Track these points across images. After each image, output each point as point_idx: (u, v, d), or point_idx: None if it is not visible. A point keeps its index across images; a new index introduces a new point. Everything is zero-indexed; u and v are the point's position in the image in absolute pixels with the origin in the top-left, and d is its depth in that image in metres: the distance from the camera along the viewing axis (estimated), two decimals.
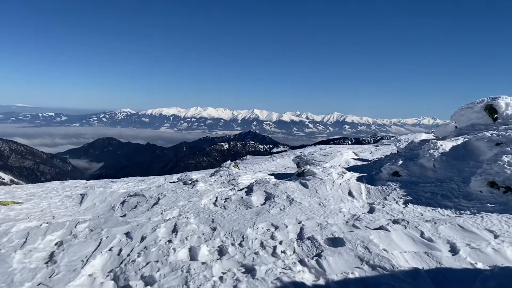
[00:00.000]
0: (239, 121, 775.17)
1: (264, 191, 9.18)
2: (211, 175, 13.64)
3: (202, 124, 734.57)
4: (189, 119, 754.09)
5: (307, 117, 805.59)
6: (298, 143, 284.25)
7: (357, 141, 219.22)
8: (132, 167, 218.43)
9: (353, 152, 14.25)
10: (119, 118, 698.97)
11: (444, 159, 8.94)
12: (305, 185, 9.22)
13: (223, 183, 11.34)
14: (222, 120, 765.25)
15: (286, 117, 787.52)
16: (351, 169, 11.00)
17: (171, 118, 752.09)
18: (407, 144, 11.98)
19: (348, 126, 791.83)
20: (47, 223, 8.17)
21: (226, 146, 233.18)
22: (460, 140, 9.91)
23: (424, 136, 12.67)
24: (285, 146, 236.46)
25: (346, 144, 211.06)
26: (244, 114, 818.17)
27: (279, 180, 10.38)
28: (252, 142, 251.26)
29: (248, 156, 27.97)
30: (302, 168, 10.41)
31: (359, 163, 12.13)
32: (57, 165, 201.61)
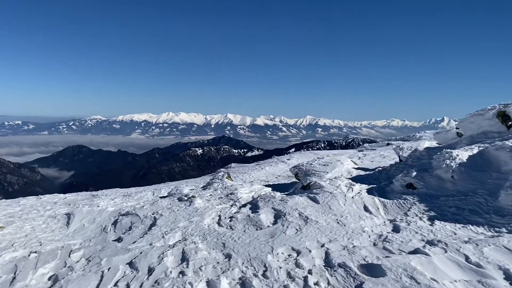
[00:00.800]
0: (212, 126, 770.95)
1: (272, 207, 8.53)
2: (204, 188, 12.88)
3: (174, 129, 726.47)
4: (161, 125, 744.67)
5: (280, 121, 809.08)
6: (273, 147, 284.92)
7: (330, 144, 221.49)
8: (103, 175, 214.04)
9: (351, 160, 13.80)
10: (89, 125, 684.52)
11: (463, 170, 8.50)
12: (315, 200, 8.62)
13: (221, 198, 10.63)
14: (195, 125, 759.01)
15: (260, 121, 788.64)
16: (355, 179, 10.48)
17: (142, 124, 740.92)
18: (411, 152, 11.56)
19: (321, 129, 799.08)
20: (35, 252, 7.30)
21: (199, 151, 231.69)
22: (475, 149, 9.52)
23: (427, 144, 12.26)
24: (259, 150, 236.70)
25: (319, 146, 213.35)
26: (218, 118, 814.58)
27: (285, 195, 9.76)
28: (226, 146, 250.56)
29: (233, 164, 27.26)
30: (308, 181, 9.82)
31: (362, 172, 11.65)
32: (25, 174, 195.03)
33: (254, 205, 9.20)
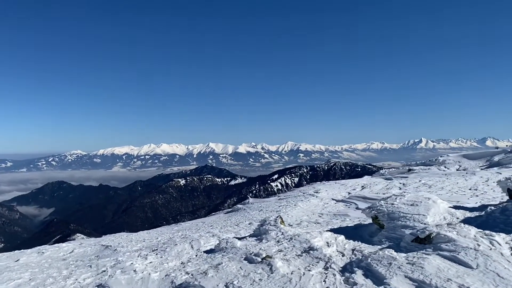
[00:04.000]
0: (194, 156, 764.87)
1: (405, 276, 6.13)
2: (258, 239, 10.39)
3: (156, 161, 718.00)
4: (142, 157, 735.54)
5: (262, 148, 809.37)
6: (256, 174, 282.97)
7: (312, 169, 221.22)
8: (84, 211, 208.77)
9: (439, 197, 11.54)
10: (69, 160, 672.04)
11: None
12: (461, 263, 6.28)
13: (300, 255, 8.19)
14: (177, 156, 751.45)
15: (242, 149, 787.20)
16: (473, 225, 8.21)
17: (123, 157, 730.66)
18: None
19: (303, 155, 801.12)
20: None
21: (182, 181, 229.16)
22: None
23: None
24: (242, 178, 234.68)
25: (302, 172, 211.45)
26: (200, 148, 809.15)
27: (399, 252, 7.38)
28: (209, 176, 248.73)
29: (250, 200, 24.72)
30: (427, 231, 7.50)
31: (468, 214, 9.40)
32: (3, 214, 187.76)
33: (366, 270, 6.79)
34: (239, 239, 11.00)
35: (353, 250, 8.36)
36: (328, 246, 8.61)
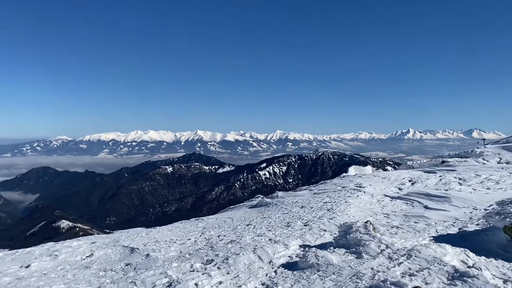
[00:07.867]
0: (182, 143, 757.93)
1: None
2: (349, 251, 7.31)
3: (143, 148, 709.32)
4: (129, 144, 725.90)
5: (251, 136, 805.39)
6: (244, 162, 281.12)
7: (301, 158, 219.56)
8: (70, 197, 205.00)
9: None
10: (55, 146, 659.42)
11: None
12: None
13: (451, 284, 5.31)
14: (165, 143, 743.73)
15: (230, 137, 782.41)
16: None
17: (110, 143, 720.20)
18: None
19: (291, 144, 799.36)
20: None
21: (170, 169, 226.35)
22: None
23: None
24: (230, 166, 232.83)
25: (290, 160, 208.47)
26: (188, 135, 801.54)
27: None
28: (197, 163, 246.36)
29: (280, 193, 21.40)
30: None
31: None
32: None
33: None
34: (320, 248, 7.73)
35: None
36: (476, 269, 5.36)
